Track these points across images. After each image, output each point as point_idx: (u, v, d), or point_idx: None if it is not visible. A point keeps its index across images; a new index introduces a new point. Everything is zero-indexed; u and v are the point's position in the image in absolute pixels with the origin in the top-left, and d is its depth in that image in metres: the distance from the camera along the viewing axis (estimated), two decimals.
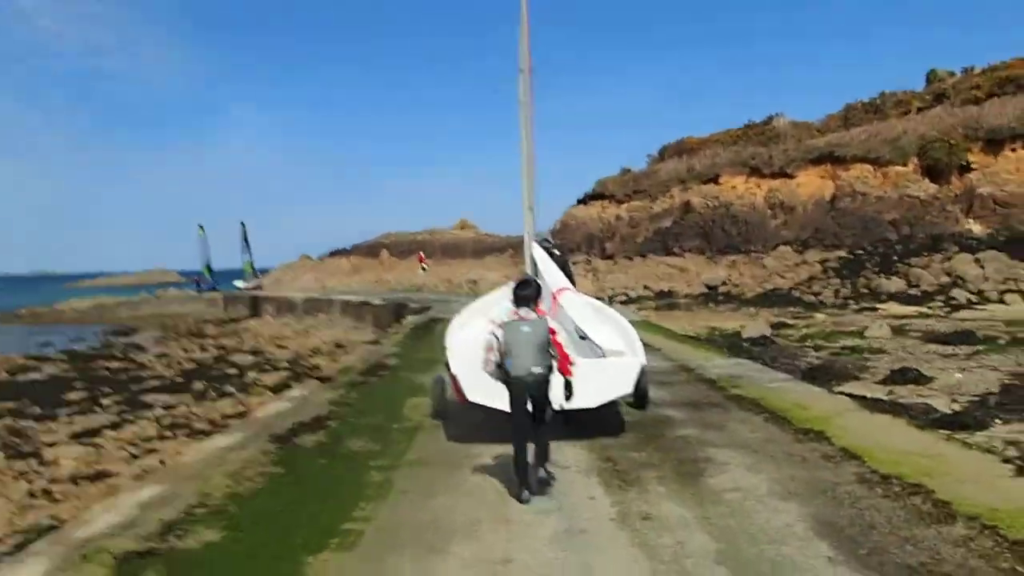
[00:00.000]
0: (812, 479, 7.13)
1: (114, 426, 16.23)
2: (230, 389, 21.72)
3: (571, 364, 7.12)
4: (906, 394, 12.83)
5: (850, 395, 11.60)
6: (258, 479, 7.91)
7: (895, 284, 26.54)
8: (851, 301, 26.20)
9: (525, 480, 7.03)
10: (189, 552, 5.99)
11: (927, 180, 39.45)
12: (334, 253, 75.98)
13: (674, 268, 39.12)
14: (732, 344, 19.57)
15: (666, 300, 32.32)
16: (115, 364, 30.19)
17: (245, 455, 8.86)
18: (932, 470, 7.08)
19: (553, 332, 7.05)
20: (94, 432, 15.80)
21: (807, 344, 19.31)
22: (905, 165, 40.35)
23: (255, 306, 54.19)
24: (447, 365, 9.81)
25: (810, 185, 43.05)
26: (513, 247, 61.16)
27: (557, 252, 13.38)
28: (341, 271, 70.15)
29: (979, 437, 9.43)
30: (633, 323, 11.53)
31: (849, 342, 19.03)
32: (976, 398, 11.93)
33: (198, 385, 22.29)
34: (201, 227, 68.69)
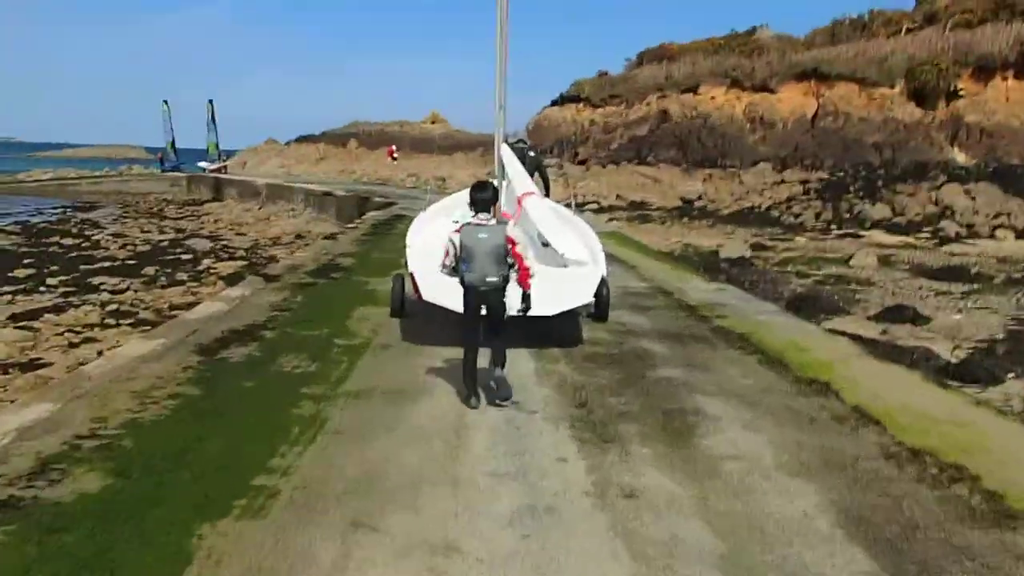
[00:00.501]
0: (826, 449, 5.82)
1: (57, 309, 15.35)
2: (182, 276, 20.55)
3: (531, 276, 6.70)
4: (903, 335, 11.64)
5: (847, 334, 10.33)
6: (167, 403, 6.54)
7: (879, 211, 25.13)
8: (833, 226, 24.71)
9: (474, 388, 6.68)
10: (57, 506, 4.60)
11: (913, 104, 37.93)
12: (302, 139, 72.86)
13: (648, 178, 37.50)
14: (709, 264, 18.29)
15: (639, 211, 30.80)
16: (69, 241, 28.98)
17: (159, 368, 7.48)
18: (968, 445, 5.79)
19: (513, 242, 6.56)
20: (34, 315, 14.66)
21: (788, 269, 18.07)
22: (891, 87, 38.72)
23: (218, 189, 52.13)
24: (406, 262, 9.51)
25: (791, 101, 41.29)
26: (484, 145, 59.01)
27: (532, 154, 12.80)
28: (308, 158, 67.49)
29: (994, 393, 8.25)
30: (605, 235, 11.40)
31: (833, 270, 17.81)
32: (981, 344, 10.71)
33: (149, 269, 21.26)
34: (165, 102, 65.26)
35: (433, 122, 72.94)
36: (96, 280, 19.38)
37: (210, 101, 63.93)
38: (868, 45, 42.05)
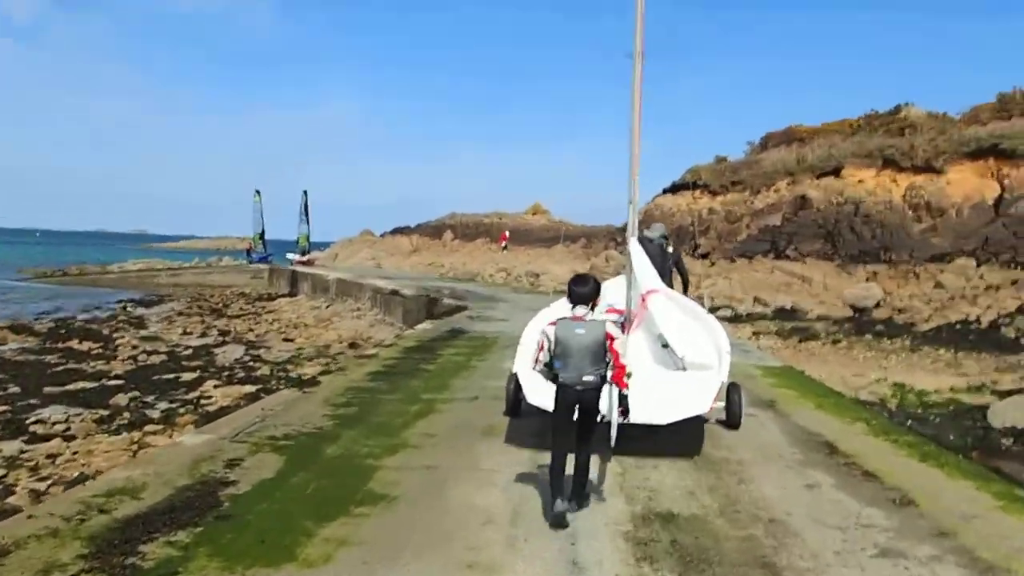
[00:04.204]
0: None
1: None
2: (155, 411, 15.19)
3: (627, 376, 5.83)
4: None
5: None
6: None
7: None
8: None
9: (561, 488, 5.70)
10: None
11: None
12: (396, 231, 67.28)
13: (793, 276, 28.78)
14: (980, 439, 9.63)
15: (792, 322, 22.07)
16: (85, 346, 24.22)
17: None
18: None
19: (611, 337, 5.75)
20: None
21: None
22: None
23: (294, 283, 46.28)
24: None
25: (965, 184, 32.19)
26: (587, 236, 51.50)
27: (671, 250, 11.06)
28: (401, 250, 61.36)
29: None
30: (770, 372, 10.96)
31: None
32: None
33: (123, 398, 15.95)
34: (257, 192, 60.47)
35: (534, 213, 66.17)
36: (40, 414, 14.69)
37: (304, 192, 59.02)
38: None
